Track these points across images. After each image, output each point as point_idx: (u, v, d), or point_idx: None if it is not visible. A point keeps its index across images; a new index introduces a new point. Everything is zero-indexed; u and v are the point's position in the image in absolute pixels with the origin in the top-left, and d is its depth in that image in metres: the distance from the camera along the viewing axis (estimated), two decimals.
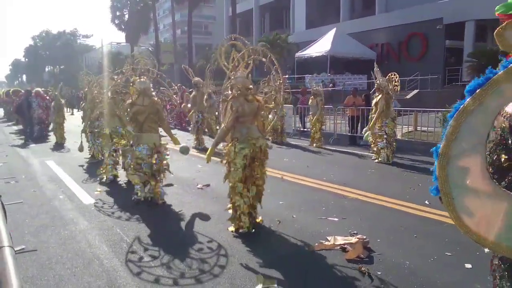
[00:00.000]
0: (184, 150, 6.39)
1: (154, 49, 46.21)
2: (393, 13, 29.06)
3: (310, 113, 12.84)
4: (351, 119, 13.38)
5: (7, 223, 2.28)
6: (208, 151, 4.95)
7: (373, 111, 9.95)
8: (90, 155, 10.22)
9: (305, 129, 15.55)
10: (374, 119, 9.52)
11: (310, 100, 12.68)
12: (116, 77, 7.80)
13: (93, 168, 9.05)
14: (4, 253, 1.49)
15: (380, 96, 9.52)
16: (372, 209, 5.90)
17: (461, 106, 1.50)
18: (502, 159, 1.57)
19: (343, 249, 4.38)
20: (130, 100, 6.32)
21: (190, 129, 13.49)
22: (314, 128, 12.43)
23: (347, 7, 34.27)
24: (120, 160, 7.84)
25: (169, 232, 5.09)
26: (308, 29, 36.27)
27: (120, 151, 7.75)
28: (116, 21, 49.45)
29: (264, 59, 5.16)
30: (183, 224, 5.41)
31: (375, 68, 10.27)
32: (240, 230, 4.90)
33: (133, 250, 4.49)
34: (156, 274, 3.91)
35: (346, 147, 12.23)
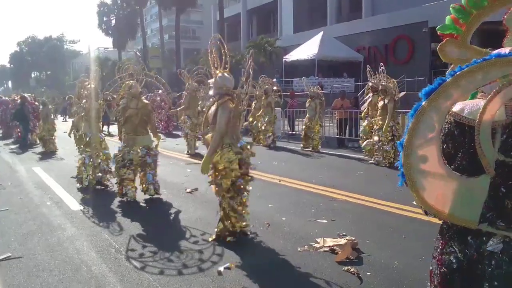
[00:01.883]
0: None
1: (142, 54, 46.01)
2: (379, 16, 29.29)
3: (307, 115, 12.43)
4: (339, 121, 13.45)
5: None
6: (204, 160, 4.63)
7: (378, 113, 9.61)
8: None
9: (294, 132, 15.59)
10: (386, 122, 9.17)
11: (308, 103, 12.41)
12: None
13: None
14: None
15: (388, 98, 9.35)
16: (361, 211, 5.93)
17: (420, 107, 1.85)
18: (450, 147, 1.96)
19: (332, 250, 4.40)
20: (124, 104, 6.52)
21: (181, 134, 13.19)
22: (314, 130, 12.13)
23: (334, 11, 34.49)
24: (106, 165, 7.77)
25: (158, 237, 5.06)
26: (296, 33, 36.40)
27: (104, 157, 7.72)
28: (103, 26, 49.16)
29: (253, 64, 5.11)
30: (172, 229, 5.39)
31: (367, 69, 10.48)
32: (228, 238, 4.72)
33: (121, 256, 4.45)
34: (144, 279, 3.89)
35: (334, 149, 12.29)
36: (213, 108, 4.75)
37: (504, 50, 1.83)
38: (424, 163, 1.87)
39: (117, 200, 6.73)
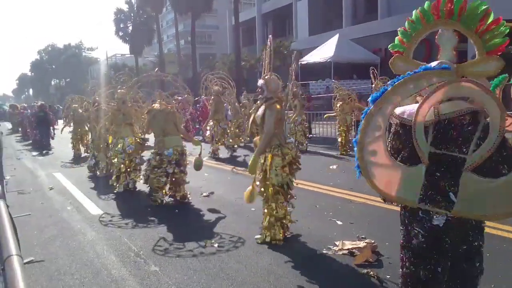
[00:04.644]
0: (198, 165, 6.71)
1: (158, 60, 46.47)
2: (396, 17, 28.97)
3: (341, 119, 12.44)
4: (356, 123, 13.35)
5: (16, 234, 2.30)
6: (253, 161, 4.65)
7: None
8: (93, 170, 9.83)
9: (310, 135, 15.51)
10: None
11: (340, 106, 12.24)
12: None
13: (100, 178, 9.08)
14: (13, 262, 1.51)
15: None
16: (380, 213, 5.87)
17: (368, 111, 2.26)
18: (398, 144, 2.42)
19: (352, 253, 4.36)
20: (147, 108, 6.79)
21: (206, 138, 12.97)
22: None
23: (349, 13, 34.29)
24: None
25: (177, 241, 5.08)
26: (311, 35, 36.32)
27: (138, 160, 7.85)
28: (120, 33, 49.74)
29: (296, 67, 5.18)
30: (190, 233, 5.41)
31: (371, 71, 11.04)
32: (273, 242, 4.77)
33: (140, 260, 4.49)
34: (163, 283, 3.91)
35: (351, 151, 12.19)
36: (260, 110, 4.74)
37: (433, 64, 2.34)
38: (374, 156, 2.29)
39: (135, 205, 6.81)
